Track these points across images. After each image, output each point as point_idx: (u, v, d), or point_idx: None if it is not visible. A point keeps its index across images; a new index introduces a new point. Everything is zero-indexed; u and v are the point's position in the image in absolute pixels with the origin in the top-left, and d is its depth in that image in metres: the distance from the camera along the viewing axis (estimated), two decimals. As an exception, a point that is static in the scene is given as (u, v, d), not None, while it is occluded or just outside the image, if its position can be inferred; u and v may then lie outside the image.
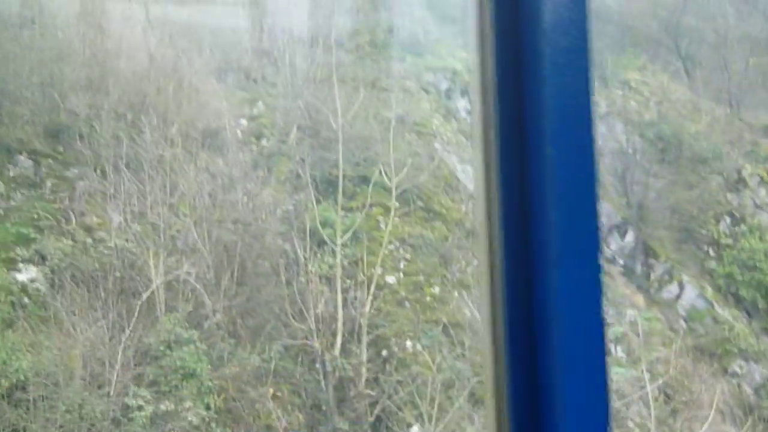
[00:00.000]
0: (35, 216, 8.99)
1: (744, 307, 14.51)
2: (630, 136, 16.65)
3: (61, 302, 8.24)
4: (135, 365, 8.36)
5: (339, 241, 9.65)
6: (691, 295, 14.10)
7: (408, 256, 10.26)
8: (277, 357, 8.94)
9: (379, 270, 9.53)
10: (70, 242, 8.82)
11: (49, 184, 9.52)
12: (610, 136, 16.69)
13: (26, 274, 8.42)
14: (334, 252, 9.61)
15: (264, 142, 12.17)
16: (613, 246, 14.54)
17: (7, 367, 7.56)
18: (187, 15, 13.01)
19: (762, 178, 16.26)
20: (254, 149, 11.95)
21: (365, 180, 10.85)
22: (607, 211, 14.88)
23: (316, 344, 9.02)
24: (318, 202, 10.45)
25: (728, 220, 15.58)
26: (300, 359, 9.16)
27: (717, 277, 14.68)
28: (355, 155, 11.35)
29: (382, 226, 10.28)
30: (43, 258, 8.54)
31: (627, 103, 17.68)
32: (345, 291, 9.55)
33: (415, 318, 9.73)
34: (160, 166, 9.94)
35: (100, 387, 8.11)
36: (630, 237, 14.65)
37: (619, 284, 13.73)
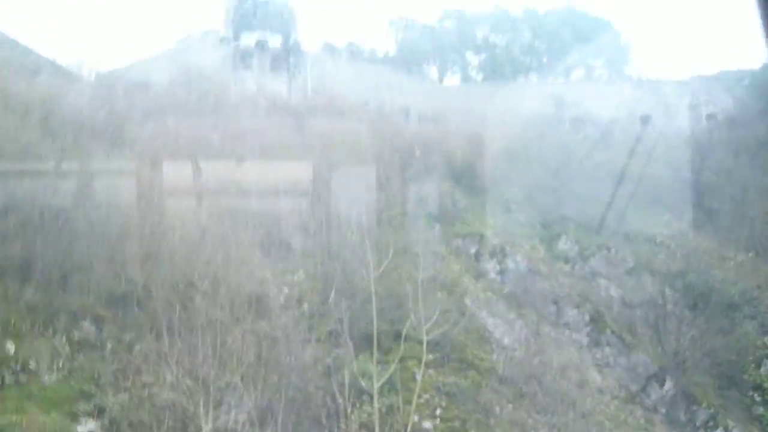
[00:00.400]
0: (96, 375, 9.91)
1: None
2: (660, 287, 17.23)
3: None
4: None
5: (376, 391, 10.17)
6: (740, 441, 13.68)
7: (443, 403, 10.66)
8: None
9: (415, 417, 9.93)
10: (127, 396, 9.60)
11: (109, 346, 10.56)
12: (640, 288, 17.35)
13: (86, 426, 9.09)
14: (372, 401, 10.10)
15: (305, 306, 13.20)
16: (653, 395, 14.46)
17: None
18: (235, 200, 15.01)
19: (796, 319, 16.44)
20: (296, 312, 12.94)
21: (399, 335, 11.60)
22: (644, 361, 15.04)
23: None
24: (356, 356, 11.15)
25: (768, 363, 15.52)
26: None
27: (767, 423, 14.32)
28: (389, 312, 12.22)
29: (417, 377, 10.86)
30: (102, 411, 9.28)
31: (654, 257, 18.49)
32: (384, 437, 9.86)
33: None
34: (210, 328, 10.90)
35: None
36: (669, 385, 14.59)
37: (661, 432, 13.49)
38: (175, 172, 15.92)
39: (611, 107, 37.55)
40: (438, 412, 10.67)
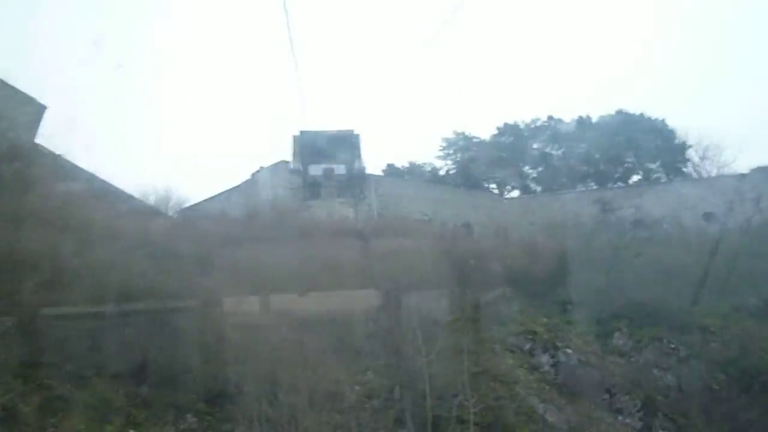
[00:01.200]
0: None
1: None
2: (714, 374, 18.40)
3: None
4: None
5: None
6: None
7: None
8: None
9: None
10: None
11: (209, 434, 13.05)
12: (694, 375, 18.53)
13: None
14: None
15: (374, 401, 15.34)
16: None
17: None
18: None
19: None
20: (366, 406, 15.08)
21: (454, 419, 13.55)
22: (700, 445, 16.10)
23: None
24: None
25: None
26: None
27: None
28: (445, 401, 14.22)
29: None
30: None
31: (707, 345, 19.73)
32: None
33: None
34: (292, 419, 13.20)
35: None
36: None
37: None
38: (252, 295, 18.76)
39: (671, 207, 39.22)
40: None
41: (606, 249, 25.03)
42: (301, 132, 41.24)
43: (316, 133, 40.75)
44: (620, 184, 44.72)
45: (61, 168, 28.86)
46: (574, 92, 77.19)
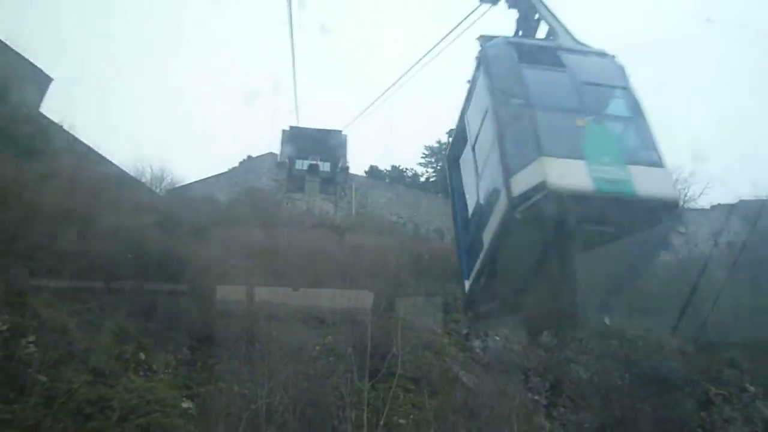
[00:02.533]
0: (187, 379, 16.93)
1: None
2: (619, 372, 23.26)
3: None
4: None
5: (368, 401, 16.69)
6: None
7: (415, 412, 17.02)
8: None
9: (394, 418, 16.35)
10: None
11: (199, 364, 17.66)
12: (602, 371, 23.38)
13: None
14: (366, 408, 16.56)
15: (331, 357, 19.84)
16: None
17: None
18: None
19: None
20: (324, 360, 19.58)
21: (393, 374, 18.23)
22: (590, 419, 20.92)
23: None
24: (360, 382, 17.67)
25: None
26: None
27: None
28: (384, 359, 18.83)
29: (401, 396, 17.39)
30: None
31: (620, 349, 24.62)
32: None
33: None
34: (264, 361, 17.80)
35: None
36: (608, 439, 20.39)
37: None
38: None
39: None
40: (411, 417, 17.10)
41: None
42: (291, 127, 45.69)
43: (305, 130, 44.98)
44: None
45: (63, 139, 33.26)
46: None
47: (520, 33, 9.16)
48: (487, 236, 7.46)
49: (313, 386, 16.97)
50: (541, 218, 6.50)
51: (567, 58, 7.69)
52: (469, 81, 8.59)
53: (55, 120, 34.30)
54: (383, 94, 14.38)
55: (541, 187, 6.39)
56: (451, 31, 11.07)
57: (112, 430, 13.27)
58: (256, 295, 20.82)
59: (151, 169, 39.05)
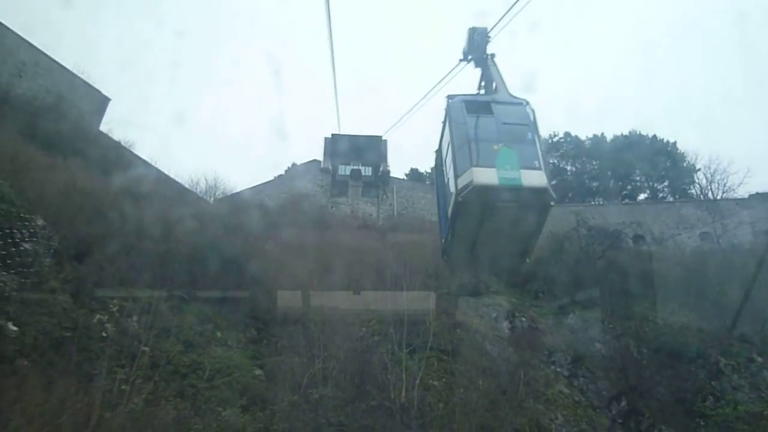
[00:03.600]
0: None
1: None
2: (639, 348, 26.85)
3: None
4: None
5: (406, 369, 20.84)
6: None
7: (446, 377, 21.09)
8: None
9: (429, 380, 20.53)
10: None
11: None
12: (623, 348, 26.98)
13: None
14: (407, 377, 20.69)
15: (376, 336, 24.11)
16: (613, 409, 23.87)
17: None
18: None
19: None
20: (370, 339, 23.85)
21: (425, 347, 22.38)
22: (608, 387, 24.65)
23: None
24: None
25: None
26: None
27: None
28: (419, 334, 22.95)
29: (435, 365, 21.54)
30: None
31: (642, 329, 28.17)
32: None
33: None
34: (320, 340, 22.14)
35: None
36: (624, 403, 23.99)
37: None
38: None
39: (670, 225, 47.42)
40: (442, 379, 21.23)
41: (578, 253, 33.60)
42: (333, 135, 50.33)
43: (346, 137, 49.58)
44: (627, 201, 52.92)
45: (122, 156, 38.21)
46: (592, 111, 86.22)
47: (483, 83, 13.97)
48: (449, 211, 12.19)
49: (361, 356, 21.21)
50: (472, 199, 11.13)
51: (495, 107, 12.78)
52: (442, 122, 13.65)
53: (115, 137, 39.51)
54: (424, 98, 18.31)
55: (470, 183, 11.25)
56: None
57: (203, 386, 17.74)
58: (317, 299, 24.50)
59: (206, 180, 44.05)
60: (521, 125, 12.60)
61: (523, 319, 27.10)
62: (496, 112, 12.84)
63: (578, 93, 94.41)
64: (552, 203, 12.53)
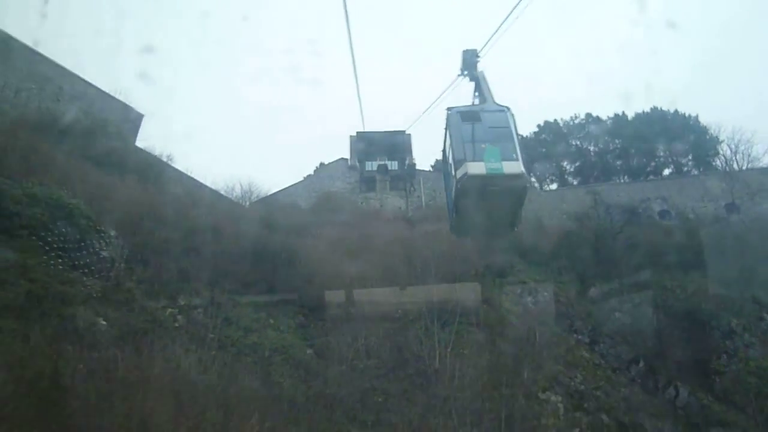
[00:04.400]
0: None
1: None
2: (658, 316, 30.09)
3: None
4: None
5: (438, 340, 24.44)
6: (685, 393, 26.13)
7: (472, 346, 24.74)
8: None
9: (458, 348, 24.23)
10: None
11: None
12: (641, 315, 30.24)
13: None
14: (439, 347, 24.25)
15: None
16: (632, 371, 27.20)
17: None
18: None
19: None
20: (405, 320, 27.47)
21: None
22: (627, 351, 27.97)
23: None
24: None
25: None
26: None
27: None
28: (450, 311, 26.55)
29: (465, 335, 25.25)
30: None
31: (658, 297, 31.39)
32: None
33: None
34: (361, 323, 25.80)
35: None
36: (642, 365, 27.32)
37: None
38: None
39: (695, 198, 50.19)
40: (471, 347, 24.81)
41: (597, 230, 36.86)
42: (358, 132, 53.83)
43: (371, 134, 52.91)
44: (652, 177, 55.50)
45: (163, 169, 42.20)
46: (611, 91, 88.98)
47: (476, 93, 17.72)
48: (453, 195, 16.74)
49: (399, 332, 24.90)
50: (469, 185, 15.21)
51: (483, 115, 16.90)
52: (444, 128, 17.61)
53: (152, 152, 43.62)
54: (444, 92, 21.97)
55: (466, 173, 15.32)
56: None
57: (264, 362, 21.54)
58: (364, 296, 27.56)
59: (240, 186, 47.93)
60: (503, 128, 16.42)
61: (546, 293, 30.45)
62: (483, 119, 16.75)
63: (598, 72, 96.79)
64: (527, 185, 16.94)
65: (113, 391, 14.57)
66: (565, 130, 59.26)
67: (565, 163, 59.08)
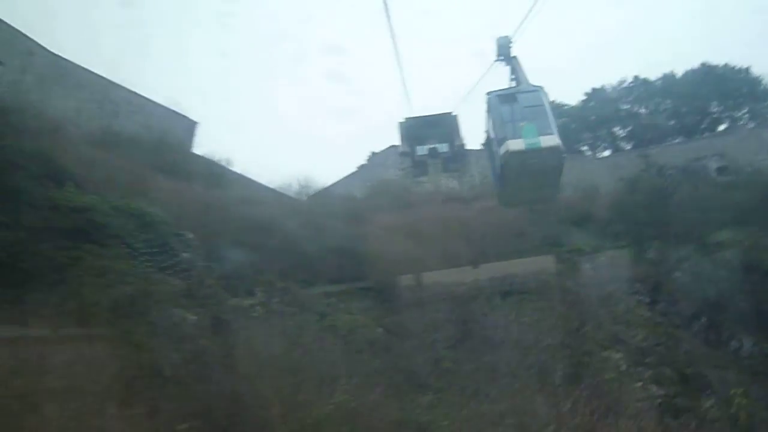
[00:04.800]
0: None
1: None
2: (717, 272, 31.17)
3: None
4: None
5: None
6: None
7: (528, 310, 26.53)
8: None
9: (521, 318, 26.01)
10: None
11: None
12: (700, 273, 31.36)
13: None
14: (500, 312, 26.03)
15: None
16: (695, 327, 28.50)
17: None
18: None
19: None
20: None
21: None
22: (689, 307, 29.22)
23: None
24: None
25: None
26: None
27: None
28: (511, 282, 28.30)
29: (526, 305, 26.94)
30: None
31: (716, 254, 32.43)
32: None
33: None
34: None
35: None
36: (704, 320, 28.56)
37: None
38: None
39: (753, 152, 50.51)
40: (534, 316, 26.48)
41: (652, 191, 37.88)
42: (406, 118, 55.54)
43: (419, 118, 54.56)
44: (707, 134, 55.88)
45: (223, 173, 44.82)
46: (659, 51, 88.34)
47: (513, 76, 19.50)
48: (498, 169, 18.03)
49: (466, 307, 26.77)
50: (511, 160, 16.99)
51: (519, 96, 18.50)
52: (486, 111, 19.36)
53: (211, 158, 46.34)
54: (483, 75, 23.92)
55: (507, 150, 16.99)
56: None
57: (340, 341, 23.65)
58: (436, 278, 29.72)
59: (297, 182, 50.32)
60: (537, 106, 18.42)
61: (603, 258, 31.84)
62: (519, 100, 18.75)
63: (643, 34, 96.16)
64: (564, 155, 18.91)
65: (207, 376, 16.83)
66: (614, 96, 59.80)
67: (617, 129, 59.67)
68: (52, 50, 39.37)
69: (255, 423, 13.89)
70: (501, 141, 18.49)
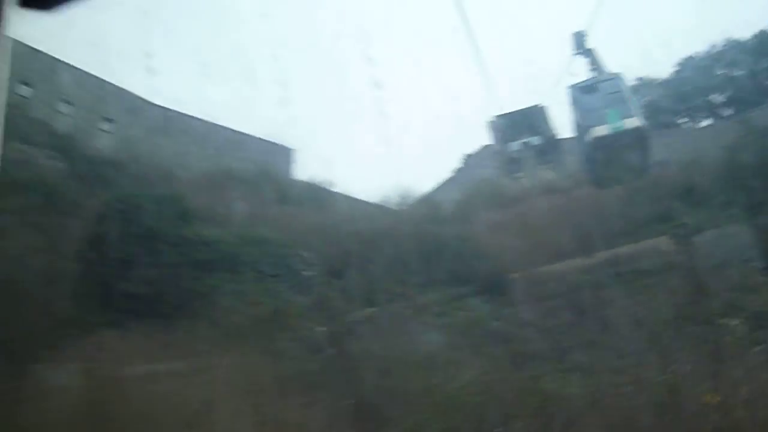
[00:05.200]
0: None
1: None
2: None
3: None
4: None
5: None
6: None
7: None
8: None
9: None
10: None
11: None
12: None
13: None
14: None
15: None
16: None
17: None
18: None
19: None
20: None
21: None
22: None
23: None
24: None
25: None
26: None
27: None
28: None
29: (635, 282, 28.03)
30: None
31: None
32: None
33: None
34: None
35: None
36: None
37: None
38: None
39: None
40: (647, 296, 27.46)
41: (759, 157, 37.90)
42: (495, 117, 57.00)
43: (509, 114, 55.92)
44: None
45: (326, 195, 47.51)
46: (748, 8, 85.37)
47: (592, 67, 21.05)
48: (585, 150, 19.80)
49: (578, 291, 28.12)
50: (598, 145, 18.56)
51: (599, 84, 20.05)
52: (569, 103, 21.18)
53: (311, 181, 49.26)
54: (566, 68, 25.80)
55: (593, 137, 18.48)
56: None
57: (461, 335, 25.49)
58: (549, 270, 30.97)
59: (396, 194, 52.49)
60: (617, 92, 20.02)
61: (712, 229, 32.42)
62: (600, 89, 20.37)
63: None
64: (647, 134, 20.42)
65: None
66: (707, 62, 59.01)
67: (715, 95, 58.83)
68: (153, 101, 43.20)
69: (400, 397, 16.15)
70: (587, 128, 20.23)
